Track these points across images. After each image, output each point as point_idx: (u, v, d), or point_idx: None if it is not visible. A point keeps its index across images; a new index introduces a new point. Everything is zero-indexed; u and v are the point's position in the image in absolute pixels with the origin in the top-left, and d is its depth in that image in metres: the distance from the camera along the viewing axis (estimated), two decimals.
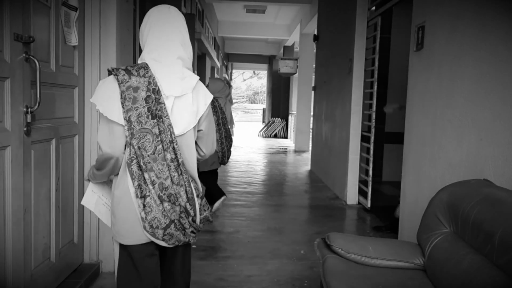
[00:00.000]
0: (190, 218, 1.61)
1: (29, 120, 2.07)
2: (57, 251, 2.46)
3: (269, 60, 18.81)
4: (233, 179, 6.67)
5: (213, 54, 10.26)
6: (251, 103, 43.86)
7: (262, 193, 5.68)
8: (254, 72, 38.33)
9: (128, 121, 1.50)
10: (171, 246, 1.62)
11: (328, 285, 1.90)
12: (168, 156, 1.54)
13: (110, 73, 1.56)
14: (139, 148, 1.51)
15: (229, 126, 4.33)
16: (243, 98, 45.01)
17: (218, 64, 12.56)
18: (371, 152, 4.86)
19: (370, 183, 4.84)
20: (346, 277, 1.94)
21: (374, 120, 4.82)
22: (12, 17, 1.92)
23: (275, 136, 15.69)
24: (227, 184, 6.21)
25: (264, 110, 23.41)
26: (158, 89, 1.55)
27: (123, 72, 1.53)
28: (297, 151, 10.87)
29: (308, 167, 8.05)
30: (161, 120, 1.54)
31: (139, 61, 1.64)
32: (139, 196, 1.53)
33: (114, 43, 2.76)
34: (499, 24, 2.21)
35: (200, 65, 9.30)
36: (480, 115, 2.35)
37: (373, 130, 4.82)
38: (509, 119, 2.11)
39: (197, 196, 1.65)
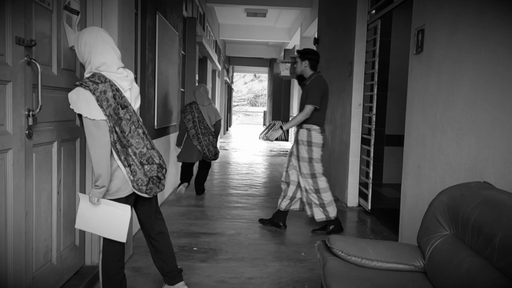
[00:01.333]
0: (164, 171, 2.28)
1: (30, 123, 2.08)
2: (58, 254, 2.47)
3: (270, 63, 18.87)
4: (234, 181, 6.67)
5: (214, 57, 10.28)
6: (252, 106, 43.92)
7: (263, 196, 5.68)
8: (255, 75, 38.42)
9: (109, 115, 2.05)
10: (151, 196, 2.25)
11: (329, 287, 1.91)
12: (140, 131, 2.19)
13: (77, 86, 2.03)
14: (120, 131, 2.10)
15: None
16: (244, 101, 45.05)
17: (219, 67, 12.59)
18: (372, 154, 4.86)
19: (370, 186, 4.84)
20: (346, 279, 1.94)
21: (374, 123, 4.83)
22: (14, 21, 1.94)
23: (276, 138, 15.69)
24: (228, 187, 6.21)
25: (265, 112, 23.47)
26: (118, 88, 2.12)
27: (90, 83, 2.02)
28: None
29: None
30: (128, 108, 2.14)
31: (87, 74, 2.11)
32: (126, 165, 2.13)
33: None
34: (498, 27, 2.22)
35: (201, 68, 9.31)
36: (480, 117, 2.36)
37: (373, 132, 4.83)
38: (508, 122, 2.12)
39: (161, 155, 2.32)
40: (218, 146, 5.06)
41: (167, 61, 5.07)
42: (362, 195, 5.08)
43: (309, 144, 3.86)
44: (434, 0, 2.95)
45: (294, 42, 13.60)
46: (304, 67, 3.94)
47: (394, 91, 6.45)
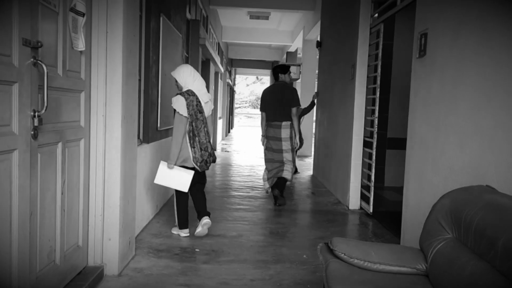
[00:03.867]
0: (212, 158, 3.69)
1: (36, 124, 2.10)
2: (62, 254, 2.48)
3: (272, 66, 18.87)
4: (236, 183, 6.69)
5: (217, 59, 10.30)
6: (254, 108, 43.96)
7: (264, 198, 5.69)
8: (257, 78, 38.46)
9: (190, 114, 3.49)
10: (201, 170, 3.67)
11: None
12: (205, 129, 3.60)
13: (179, 94, 3.52)
14: (195, 126, 3.52)
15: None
16: (246, 103, 45.11)
17: (222, 70, 12.62)
18: (373, 157, 4.87)
19: (372, 189, 4.84)
20: (348, 281, 1.95)
21: (376, 126, 4.83)
22: (21, 22, 1.95)
23: None
24: (230, 189, 6.22)
25: None
26: (200, 100, 3.56)
27: (186, 94, 3.50)
28: (300, 156, 10.87)
29: (311, 172, 8.05)
30: (201, 113, 3.57)
31: (184, 89, 3.60)
32: (192, 147, 3.55)
33: (120, 49, 2.79)
34: (502, 31, 2.23)
35: (204, 70, 9.34)
36: (483, 121, 2.36)
37: (375, 135, 4.84)
38: None
39: (212, 148, 3.68)
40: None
41: (171, 63, 5.09)
42: (364, 198, 5.08)
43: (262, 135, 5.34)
44: (437, 4, 2.96)
45: (297, 45, 13.64)
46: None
47: (397, 94, 6.46)
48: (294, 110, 5.08)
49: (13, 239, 1.98)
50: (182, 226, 3.82)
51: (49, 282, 2.33)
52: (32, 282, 2.15)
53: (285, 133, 5.03)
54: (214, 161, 3.74)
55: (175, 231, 3.90)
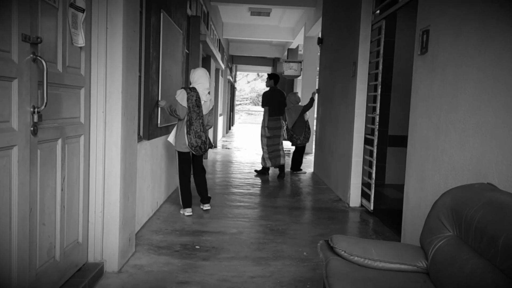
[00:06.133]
0: (206, 145, 4.38)
1: (35, 120, 2.09)
2: (61, 250, 2.47)
3: (273, 63, 18.84)
4: (236, 180, 6.68)
5: (218, 56, 10.28)
6: (255, 105, 43.92)
7: (265, 195, 5.69)
8: (258, 74, 38.39)
9: (188, 106, 4.26)
10: (197, 154, 4.40)
11: (331, 287, 1.91)
12: (200, 121, 4.34)
13: (183, 88, 4.31)
14: (190, 116, 4.28)
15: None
16: (246, 100, 45.09)
17: (223, 66, 12.59)
18: (374, 155, 4.86)
19: (373, 186, 4.84)
20: (349, 279, 1.95)
21: (377, 123, 4.82)
22: (20, 18, 1.94)
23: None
24: (230, 186, 6.22)
25: None
26: (199, 97, 4.34)
27: (188, 89, 4.28)
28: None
29: (311, 169, 8.05)
30: (199, 107, 4.31)
31: (190, 86, 4.40)
32: (187, 134, 4.29)
33: (120, 45, 2.78)
34: (503, 29, 2.22)
35: (204, 67, 9.30)
36: (484, 119, 2.35)
37: (376, 133, 4.83)
38: None
39: (207, 137, 4.43)
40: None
41: (171, 59, 5.08)
42: (365, 195, 5.08)
43: (263, 126, 7.01)
44: (439, 1, 2.95)
45: (298, 42, 13.60)
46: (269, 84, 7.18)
47: (398, 91, 6.44)
48: (285, 108, 7.23)
49: (12, 236, 1.97)
50: (185, 205, 4.46)
51: (49, 279, 2.33)
52: (32, 278, 2.15)
53: (282, 123, 7.08)
54: (211, 147, 4.60)
55: (181, 211, 4.53)
